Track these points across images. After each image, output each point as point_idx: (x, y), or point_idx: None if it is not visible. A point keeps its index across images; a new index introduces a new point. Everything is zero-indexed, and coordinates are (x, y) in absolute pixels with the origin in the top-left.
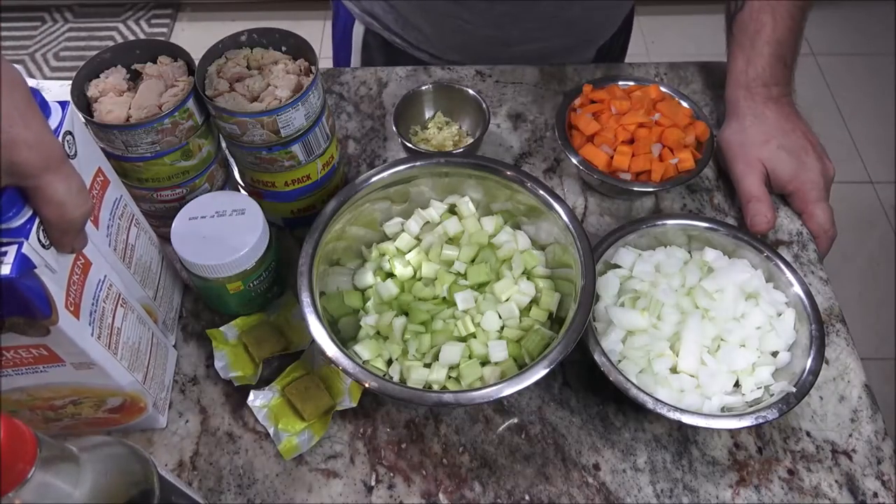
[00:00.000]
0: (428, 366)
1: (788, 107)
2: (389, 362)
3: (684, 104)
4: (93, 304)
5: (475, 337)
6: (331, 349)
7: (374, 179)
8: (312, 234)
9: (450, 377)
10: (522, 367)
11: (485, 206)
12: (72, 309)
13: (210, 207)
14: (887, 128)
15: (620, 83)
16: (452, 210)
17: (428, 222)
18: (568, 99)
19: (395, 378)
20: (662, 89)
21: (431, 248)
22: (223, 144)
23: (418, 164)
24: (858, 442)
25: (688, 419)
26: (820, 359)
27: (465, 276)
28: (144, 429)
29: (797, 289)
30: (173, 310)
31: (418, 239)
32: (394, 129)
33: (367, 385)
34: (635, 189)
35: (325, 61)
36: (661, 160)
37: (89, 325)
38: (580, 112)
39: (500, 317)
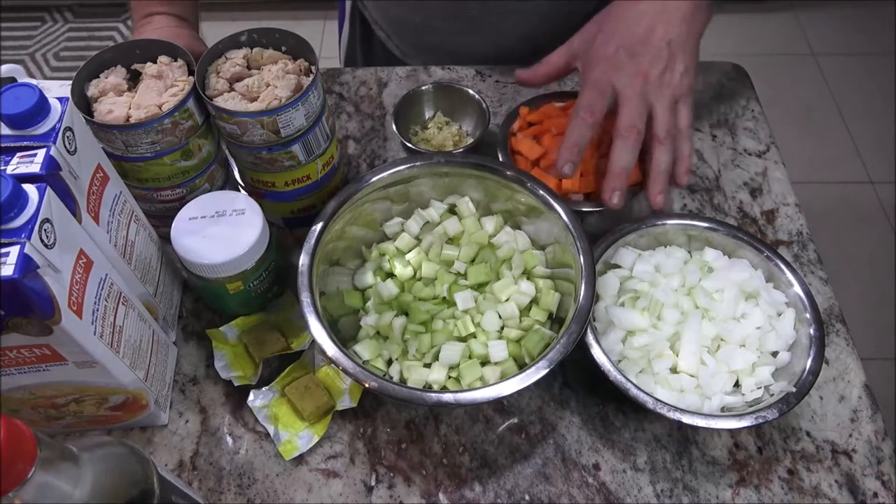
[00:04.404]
0: (428, 366)
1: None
2: (389, 362)
3: None
4: (95, 303)
5: (475, 337)
6: (331, 349)
7: (374, 179)
8: (312, 234)
9: (450, 377)
10: (522, 367)
11: (485, 206)
12: (74, 308)
13: (210, 207)
14: (887, 128)
15: (556, 103)
16: (452, 210)
17: (428, 222)
18: (508, 121)
19: (395, 378)
20: None
21: (431, 248)
22: (223, 144)
23: (418, 164)
24: (858, 442)
25: (688, 419)
26: (820, 359)
27: (465, 276)
28: (146, 426)
29: (797, 289)
30: (173, 306)
31: (418, 239)
32: (394, 129)
33: (367, 385)
34: (584, 210)
35: (326, 61)
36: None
37: (92, 324)
38: (520, 137)
39: (500, 317)
